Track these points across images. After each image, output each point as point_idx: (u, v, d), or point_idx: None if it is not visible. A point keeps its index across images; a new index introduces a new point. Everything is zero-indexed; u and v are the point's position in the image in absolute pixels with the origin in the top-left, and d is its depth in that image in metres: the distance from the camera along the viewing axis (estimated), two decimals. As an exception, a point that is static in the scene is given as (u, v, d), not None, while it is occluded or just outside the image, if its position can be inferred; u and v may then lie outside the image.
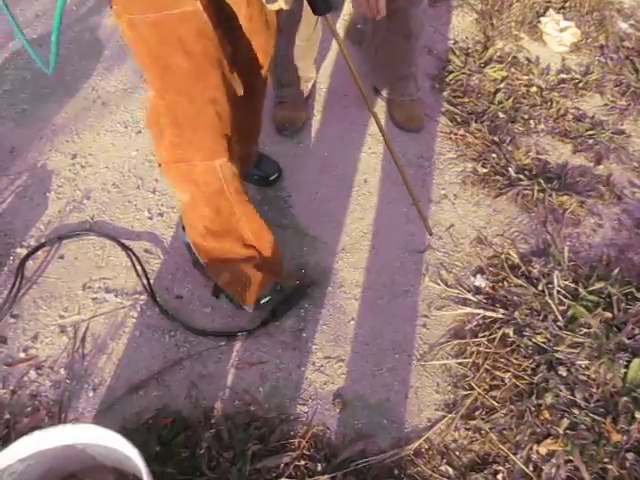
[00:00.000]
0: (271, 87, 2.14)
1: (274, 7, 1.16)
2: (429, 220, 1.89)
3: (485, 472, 1.41)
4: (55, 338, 1.62)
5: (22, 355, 1.58)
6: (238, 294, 1.63)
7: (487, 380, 1.57)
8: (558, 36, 2.62)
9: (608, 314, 1.66)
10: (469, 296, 1.73)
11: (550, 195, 2.00)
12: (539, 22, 2.70)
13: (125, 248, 1.80)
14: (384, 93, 2.31)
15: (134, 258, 1.78)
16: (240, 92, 1.31)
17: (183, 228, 1.68)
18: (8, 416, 1.45)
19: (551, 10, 2.74)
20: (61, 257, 1.79)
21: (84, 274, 1.76)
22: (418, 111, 2.25)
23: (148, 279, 1.73)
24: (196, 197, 1.44)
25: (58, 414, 1.47)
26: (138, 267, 1.75)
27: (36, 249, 1.78)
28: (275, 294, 1.64)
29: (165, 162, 1.39)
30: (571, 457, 1.42)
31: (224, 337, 1.63)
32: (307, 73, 2.19)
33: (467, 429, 1.49)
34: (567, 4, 2.80)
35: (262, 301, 1.62)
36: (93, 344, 1.61)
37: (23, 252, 1.79)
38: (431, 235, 1.85)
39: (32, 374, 1.54)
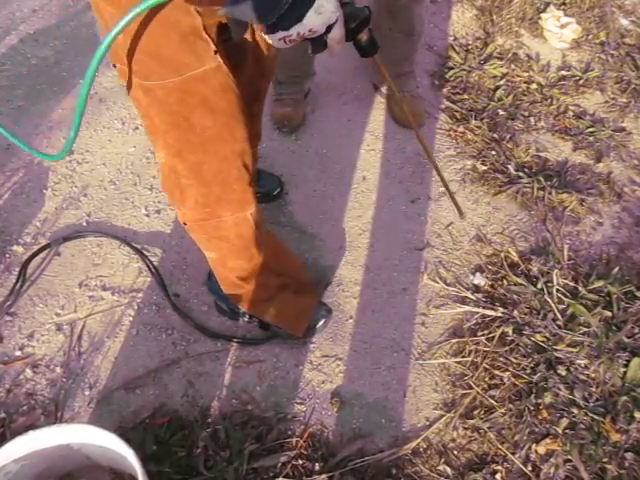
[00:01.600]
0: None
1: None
2: (457, 202, 1.88)
3: (483, 472, 1.40)
4: (51, 336, 1.61)
5: (18, 353, 1.57)
6: (288, 327, 1.58)
7: (486, 379, 1.56)
8: (559, 32, 2.61)
9: (608, 313, 1.65)
10: (468, 294, 1.72)
11: (550, 193, 1.99)
12: (539, 18, 2.68)
13: (137, 251, 1.79)
14: (383, 90, 2.30)
15: (148, 261, 1.76)
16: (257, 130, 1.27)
17: (209, 276, 1.63)
18: (3, 415, 1.44)
19: (552, 6, 2.72)
20: (58, 254, 1.78)
21: (81, 272, 1.75)
22: (419, 107, 2.24)
23: (162, 279, 1.71)
24: (224, 252, 1.36)
25: (54, 413, 1.46)
26: (152, 268, 1.74)
27: (40, 250, 1.76)
28: (327, 313, 1.64)
29: (191, 221, 1.28)
30: (570, 457, 1.41)
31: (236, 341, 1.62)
32: (306, 70, 2.17)
33: (465, 428, 1.48)
34: (568, 0, 2.78)
35: (317, 325, 1.61)
36: (89, 342, 1.60)
37: (19, 249, 1.78)
38: (461, 214, 1.87)
39: (28, 372, 1.53)
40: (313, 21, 0.81)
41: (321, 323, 1.61)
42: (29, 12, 2.65)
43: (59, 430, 1.14)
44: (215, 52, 0.99)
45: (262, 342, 1.61)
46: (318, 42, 0.88)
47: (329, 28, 0.85)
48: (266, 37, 0.83)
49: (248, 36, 1.17)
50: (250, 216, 1.27)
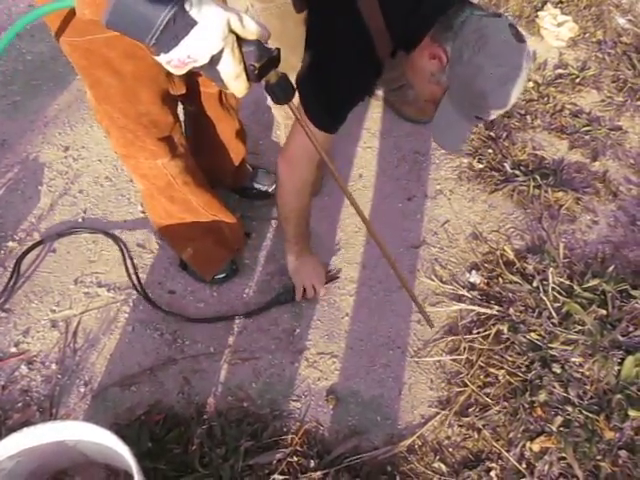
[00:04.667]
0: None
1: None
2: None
3: (478, 469, 1.41)
4: (46, 333, 1.60)
5: (13, 350, 1.57)
6: (198, 269, 1.71)
7: (481, 377, 1.56)
8: (555, 31, 2.61)
9: (603, 311, 1.65)
10: (464, 292, 1.73)
11: (546, 191, 1.99)
12: (537, 16, 2.68)
13: (123, 249, 1.80)
14: (383, 95, 2.29)
15: (127, 254, 1.77)
16: (181, 91, 1.27)
17: None
18: (-2, 412, 1.44)
19: (549, 4, 2.72)
20: (53, 251, 1.78)
21: (76, 268, 1.74)
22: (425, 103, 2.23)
23: (137, 275, 1.73)
24: (148, 187, 1.47)
25: (49, 409, 1.45)
26: (129, 263, 1.75)
27: (34, 246, 1.76)
28: (231, 272, 1.73)
29: (118, 153, 1.42)
30: (564, 454, 1.42)
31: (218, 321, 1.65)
32: None
33: (460, 426, 1.49)
34: (565, -2, 2.78)
35: (217, 276, 1.72)
36: (85, 339, 1.60)
37: (14, 246, 1.77)
38: (432, 328, 1.68)
39: (23, 369, 1.53)
40: (191, 47, 0.75)
41: (221, 276, 1.72)
42: (25, 7, 2.63)
43: (54, 427, 1.14)
44: None
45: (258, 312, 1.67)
46: (210, 74, 0.81)
47: (215, 59, 0.78)
48: (155, 59, 0.79)
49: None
50: (162, 165, 1.37)
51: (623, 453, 1.42)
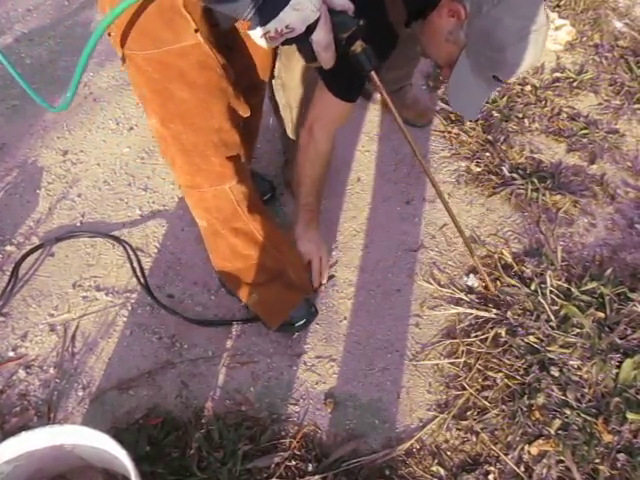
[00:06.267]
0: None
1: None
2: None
3: (476, 472, 1.41)
4: (45, 337, 1.60)
5: (11, 354, 1.57)
6: (265, 317, 1.62)
7: (479, 380, 1.56)
8: (553, 34, 2.62)
9: (601, 314, 1.66)
10: (462, 296, 1.73)
11: (544, 194, 2.00)
12: (534, 20, 2.69)
13: (126, 249, 1.79)
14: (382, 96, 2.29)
15: (133, 258, 1.77)
16: (246, 113, 1.26)
17: None
18: (-4, 416, 1.44)
19: (546, 8, 2.73)
20: (52, 255, 1.78)
21: (75, 272, 1.74)
22: (424, 106, 2.25)
23: (145, 276, 1.72)
24: (212, 222, 1.43)
25: (47, 413, 1.45)
26: (135, 265, 1.75)
27: (32, 250, 1.76)
28: (310, 316, 1.64)
29: (182, 185, 1.38)
30: (562, 457, 1.42)
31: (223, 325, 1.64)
32: None
33: (459, 429, 1.49)
34: (562, 2, 2.80)
35: (297, 324, 1.62)
36: (83, 343, 1.60)
37: (12, 250, 1.77)
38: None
39: (21, 373, 1.53)
40: (290, 17, 0.80)
41: (301, 323, 1.62)
42: (24, 11, 2.64)
43: (52, 431, 1.14)
44: (196, 30, 1.02)
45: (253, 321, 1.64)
46: (302, 44, 0.86)
47: (310, 28, 0.83)
48: (250, 33, 0.84)
49: (240, 26, 1.18)
50: (229, 190, 1.33)
51: (622, 456, 1.42)
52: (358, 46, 0.93)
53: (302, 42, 0.85)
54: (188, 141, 1.22)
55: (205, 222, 1.45)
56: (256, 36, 0.83)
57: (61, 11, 2.64)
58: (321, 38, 0.85)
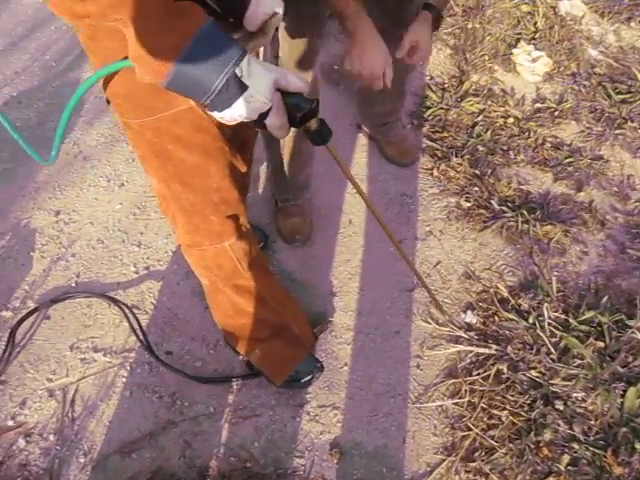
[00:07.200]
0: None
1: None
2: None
3: (489, 516, 1.39)
4: (44, 403, 1.59)
5: (10, 423, 1.55)
6: (268, 372, 1.61)
7: (484, 419, 1.55)
8: (531, 66, 2.68)
9: (600, 343, 1.65)
10: (461, 333, 1.73)
11: (534, 225, 2.01)
12: (511, 54, 2.75)
13: (122, 308, 1.79)
14: (368, 131, 2.33)
15: (131, 316, 1.76)
16: (244, 169, 1.28)
17: None
18: (-3, 489, 1.41)
19: (522, 41, 2.80)
20: (47, 318, 1.77)
21: (72, 334, 1.73)
22: (409, 144, 2.27)
23: (145, 334, 1.71)
24: (213, 280, 1.44)
25: (49, 483, 1.43)
26: (134, 324, 1.74)
27: (28, 314, 1.75)
28: (316, 370, 1.63)
29: (182, 244, 1.39)
30: (574, 495, 1.40)
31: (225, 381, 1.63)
32: (309, 181, 2.04)
33: (467, 471, 1.47)
34: (537, 35, 2.86)
35: (302, 380, 1.61)
36: (83, 407, 1.58)
37: (9, 315, 1.76)
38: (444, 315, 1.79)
39: (21, 442, 1.51)
40: (242, 108, 0.85)
41: (307, 379, 1.61)
42: (12, 74, 2.68)
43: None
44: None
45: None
46: (257, 125, 0.91)
47: (263, 116, 0.88)
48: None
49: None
50: (229, 247, 1.33)
51: (634, 489, 1.41)
52: (313, 123, 0.97)
53: (257, 124, 0.91)
54: (187, 201, 1.24)
55: (207, 280, 1.45)
56: (214, 116, 0.88)
57: (49, 72, 2.69)
58: (273, 122, 0.90)
